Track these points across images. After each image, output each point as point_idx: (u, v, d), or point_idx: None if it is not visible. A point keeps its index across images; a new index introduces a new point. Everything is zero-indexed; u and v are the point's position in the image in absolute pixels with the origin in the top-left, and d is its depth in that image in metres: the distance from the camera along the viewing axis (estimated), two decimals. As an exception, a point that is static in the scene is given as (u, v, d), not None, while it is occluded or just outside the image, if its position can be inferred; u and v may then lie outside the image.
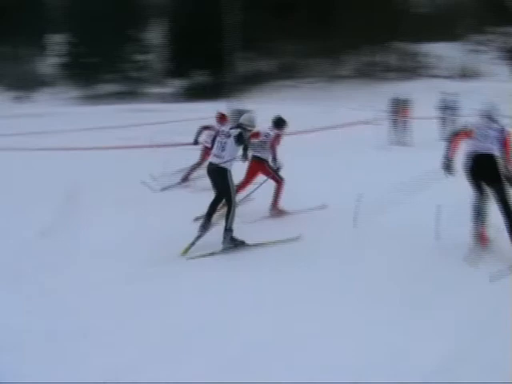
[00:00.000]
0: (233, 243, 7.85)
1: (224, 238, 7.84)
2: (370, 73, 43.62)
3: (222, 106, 17.70)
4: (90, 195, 10.85)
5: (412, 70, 43.26)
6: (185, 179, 12.34)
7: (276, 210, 9.89)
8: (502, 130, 7.26)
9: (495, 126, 7.34)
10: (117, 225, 8.97)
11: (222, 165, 7.88)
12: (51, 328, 5.48)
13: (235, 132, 8.11)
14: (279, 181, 9.79)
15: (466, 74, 38.77)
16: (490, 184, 7.12)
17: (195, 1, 47.41)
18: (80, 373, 4.70)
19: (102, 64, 45.49)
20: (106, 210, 9.80)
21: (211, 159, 8.27)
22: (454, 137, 7.52)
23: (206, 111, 16.02)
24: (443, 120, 19.51)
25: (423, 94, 32.09)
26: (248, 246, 7.91)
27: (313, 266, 7.07)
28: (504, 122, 7.92)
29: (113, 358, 4.93)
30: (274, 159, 9.84)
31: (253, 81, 50.71)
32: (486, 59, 44.85)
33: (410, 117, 18.55)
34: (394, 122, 18.55)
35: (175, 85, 51.55)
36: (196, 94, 48.70)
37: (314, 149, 16.05)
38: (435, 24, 47.26)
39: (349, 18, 41.25)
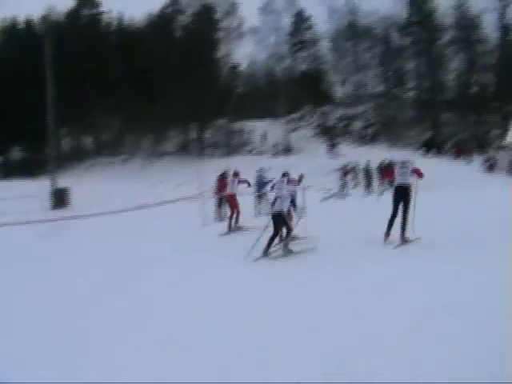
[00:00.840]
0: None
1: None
2: (194, 149, 43.57)
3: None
4: None
5: (236, 146, 44.01)
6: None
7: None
8: (410, 165, 11.16)
9: (407, 164, 11.14)
10: None
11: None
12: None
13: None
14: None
15: (286, 150, 40.00)
16: (404, 204, 10.90)
17: (15, 74, 44.99)
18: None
19: None
20: None
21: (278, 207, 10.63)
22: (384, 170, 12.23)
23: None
24: (258, 196, 19.07)
25: (247, 169, 32.85)
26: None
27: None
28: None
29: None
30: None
31: (75, 157, 48.59)
32: (305, 136, 47.34)
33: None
34: (219, 199, 17.69)
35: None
36: (13, 170, 45.64)
37: (129, 227, 15.01)
38: (258, 103, 49.32)
39: (175, 96, 41.12)
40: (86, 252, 11.25)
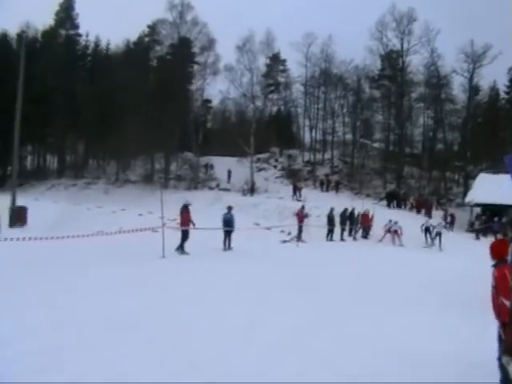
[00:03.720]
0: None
1: None
2: (157, 179, 43.02)
3: None
4: None
5: (200, 180, 43.64)
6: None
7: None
8: None
9: None
10: None
11: None
12: None
13: None
14: None
15: (251, 189, 39.77)
16: None
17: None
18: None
19: None
20: None
21: None
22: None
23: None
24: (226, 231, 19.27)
25: (210, 204, 32.48)
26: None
27: None
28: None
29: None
30: None
31: (37, 176, 47.52)
32: (270, 177, 47.35)
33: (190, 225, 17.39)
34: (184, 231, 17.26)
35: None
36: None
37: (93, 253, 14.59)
38: (227, 140, 49.28)
39: (143, 125, 40.72)
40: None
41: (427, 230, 26.48)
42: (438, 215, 36.31)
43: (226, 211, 20.26)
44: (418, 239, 26.34)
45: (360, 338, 7.32)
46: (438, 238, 25.63)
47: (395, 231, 26.30)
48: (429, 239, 26.06)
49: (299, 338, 7.17)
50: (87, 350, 5.99)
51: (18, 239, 14.31)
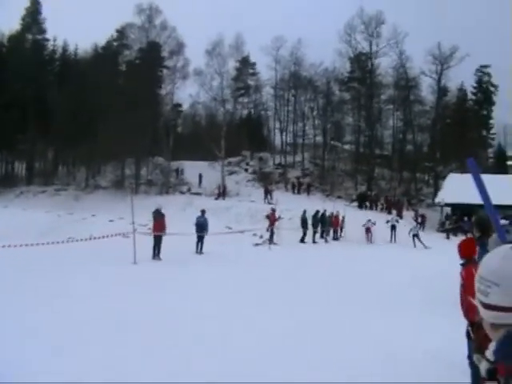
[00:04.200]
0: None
1: None
2: (128, 185, 42.43)
3: None
4: None
5: (172, 185, 43.23)
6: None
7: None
8: None
9: None
10: None
11: None
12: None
13: None
14: None
15: (222, 192, 39.58)
16: None
17: None
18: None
19: None
20: None
21: None
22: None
23: None
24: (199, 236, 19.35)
25: (182, 209, 32.14)
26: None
27: None
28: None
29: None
30: None
31: (5, 183, 46.47)
32: (242, 180, 47.18)
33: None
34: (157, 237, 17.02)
35: None
36: None
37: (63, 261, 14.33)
38: (198, 144, 48.95)
39: (113, 130, 40.07)
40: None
41: (415, 236, 26.73)
42: (408, 215, 36.63)
43: (199, 215, 20.26)
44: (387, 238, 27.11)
45: (340, 338, 7.23)
46: (415, 239, 26.15)
47: (368, 228, 26.96)
48: (417, 243, 26.20)
49: (285, 338, 7.11)
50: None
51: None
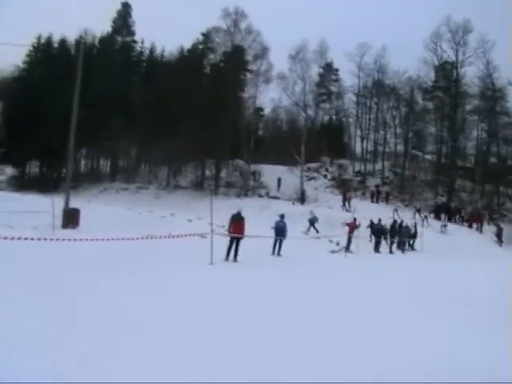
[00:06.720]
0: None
1: None
2: (208, 186, 43.76)
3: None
4: None
5: (250, 188, 44.13)
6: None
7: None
8: None
9: None
10: None
11: None
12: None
13: None
14: None
15: (301, 198, 40.12)
16: None
17: (44, 91, 45.99)
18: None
19: None
20: None
21: None
22: None
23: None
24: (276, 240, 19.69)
25: (259, 212, 32.91)
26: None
27: None
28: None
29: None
30: None
31: (90, 179, 49.12)
32: (320, 186, 47.51)
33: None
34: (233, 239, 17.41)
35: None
36: (27, 184, 46.31)
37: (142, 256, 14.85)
38: (278, 148, 49.81)
39: (195, 131, 41.51)
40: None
41: None
42: (489, 230, 35.79)
43: (278, 219, 20.74)
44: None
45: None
46: None
47: None
48: None
49: (350, 342, 6.98)
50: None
51: (69, 240, 14.84)
